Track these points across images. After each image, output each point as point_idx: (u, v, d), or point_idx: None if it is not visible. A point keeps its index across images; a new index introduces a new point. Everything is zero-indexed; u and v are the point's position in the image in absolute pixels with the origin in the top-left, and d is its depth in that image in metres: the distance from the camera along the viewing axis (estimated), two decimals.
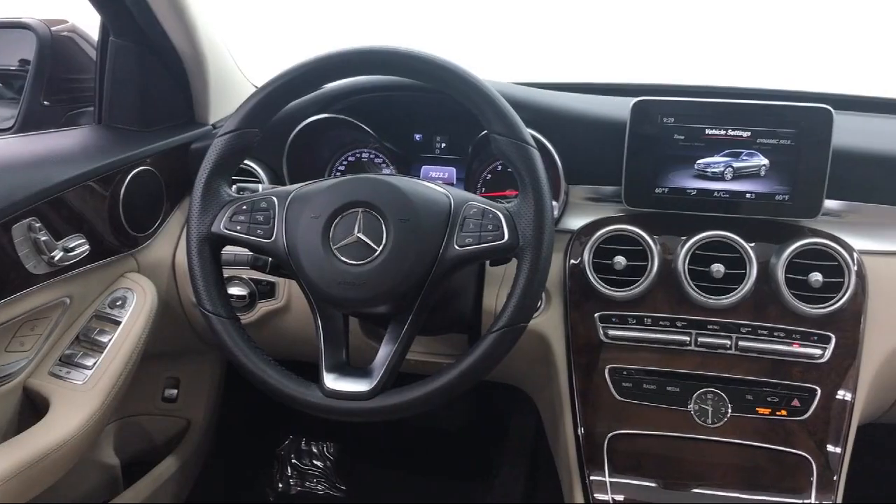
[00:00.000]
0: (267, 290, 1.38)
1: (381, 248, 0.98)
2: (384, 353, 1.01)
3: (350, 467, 2.03)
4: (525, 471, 1.85)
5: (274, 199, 1.04)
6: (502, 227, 0.99)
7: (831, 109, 1.15)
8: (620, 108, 1.24)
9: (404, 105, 1.35)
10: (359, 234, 0.99)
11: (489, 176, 1.37)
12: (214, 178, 1.05)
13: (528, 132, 1.02)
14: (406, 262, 0.98)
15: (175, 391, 1.73)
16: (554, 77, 1.50)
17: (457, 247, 0.99)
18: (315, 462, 2.03)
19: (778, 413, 1.16)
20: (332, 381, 1.00)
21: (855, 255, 1.18)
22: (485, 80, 1.03)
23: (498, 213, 1.00)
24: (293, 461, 2.03)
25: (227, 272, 1.09)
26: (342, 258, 0.98)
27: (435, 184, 1.07)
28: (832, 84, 1.50)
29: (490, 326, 0.99)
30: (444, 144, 1.39)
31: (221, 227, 1.03)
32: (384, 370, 1.00)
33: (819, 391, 1.16)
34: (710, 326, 1.19)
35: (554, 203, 1.23)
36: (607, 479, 1.17)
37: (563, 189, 1.27)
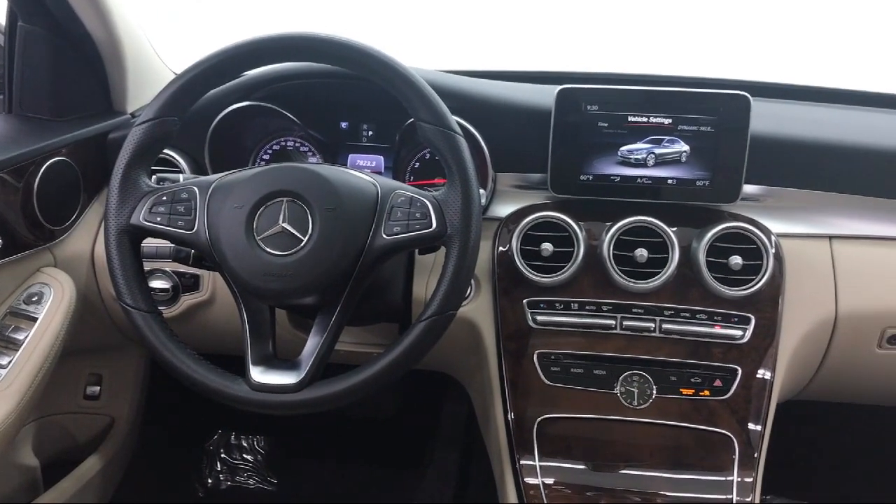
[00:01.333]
0: (191, 283, 1.35)
1: (306, 238, 0.97)
2: (312, 344, 1.00)
3: (281, 460, 2.01)
4: (458, 457, 1.86)
5: (195, 189, 1.02)
6: (430, 215, 0.99)
7: (749, 96, 1.18)
8: (545, 95, 1.25)
9: (330, 92, 1.33)
10: (284, 225, 0.97)
11: (417, 164, 1.36)
12: (133, 169, 1.02)
13: (455, 120, 1.02)
14: (333, 253, 0.96)
15: (97, 388, 1.67)
16: (480, 65, 1.50)
17: (384, 236, 0.99)
18: (245, 456, 2.01)
19: (701, 393, 1.20)
20: (258, 375, 0.99)
21: (773, 238, 1.21)
22: (410, 67, 1.02)
23: (426, 201, 1.00)
24: (222, 456, 2.00)
25: (148, 265, 1.07)
26: (267, 249, 0.97)
27: (362, 172, 1.06)
28: (750, 71, 1.55)
29: (419, 315, 0.99)
30: (371, 132, 1.38)
31: (141, 218, 1.00)
32: (312, 362, 0.99)
33: (740, 371, 1.20)
34: (634, 310, 1.22)
35: (482, 191, 1.24)
36: (537, 463, 1.19)
37: (491, 177, 1.27)
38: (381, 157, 1.38)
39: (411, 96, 1.00)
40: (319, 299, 1.01)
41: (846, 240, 1.27)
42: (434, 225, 0.98)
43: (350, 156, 1.39)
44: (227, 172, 1.05)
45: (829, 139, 1.28)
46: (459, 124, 1.04)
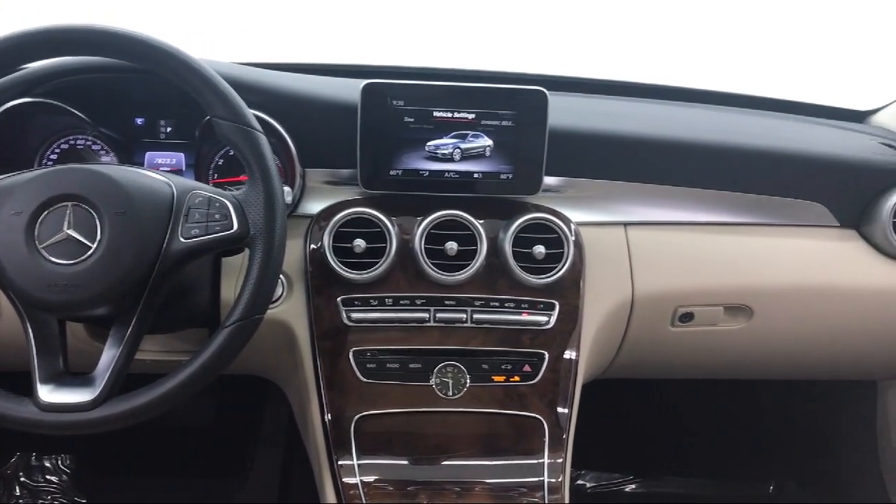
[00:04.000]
0: None
1: (95, 244, 0.90)
2: (108, 357, 0.94)
3: (91, 479, 1.89)
4: (280, 460, 1.83)
5: None
6: (231, 215, 0.95)
7: (546, 92, 1.22)
8: (352, 90, 1.24)
9: (121, 87, 1.25)
10: (69, 231, 0.90)
11: (221, 161, 1.30)
12: None
13: (254, 114, 0.99)
14: (125, 259, 0.91)
15: None
16: (283, 57, 1.47)
17: (182, 239, 0.94)
18: (49, 478, 1.86)
19: (512, 379, 1.23)
20: (47, 394, 0.91)
21: (572, 227, 1.27)
22: (202, 59, 0.97)
23: (225, 201, 0.96)
24: (22, 480, 1.85)
25: None
26: (51, 258, 0.90)
27: (157, 172, 1.00)
28: (548, 66, 1.61)
29: (223, 320, 0.95)
30: (169, 129, 1.31)
31: None
32: (108, 376, 0.93)
33: (547, 355, 1.25)
34: (447, 302, 1.24)
35: (287, 189, 1.21)
36: (355, 462, 1.18)
37: (299, 173, 1.24)
38: (182, 155, 1.31)
39: (204, 91, 0.96)
40: (113, 309, 0.95)
41: (639, 226, 1.35)
42: (235, 226, 0.95)
43: (148, 154, 1.30)
44: (3, 175, 0.96)
45: (622, 131, 1.36)
46: (261, 119, 1.01)
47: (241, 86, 1.02)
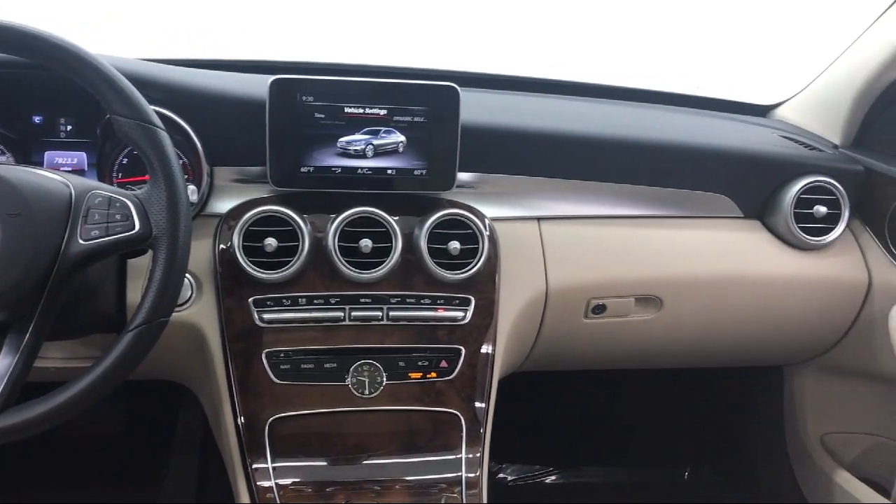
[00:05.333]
0: None
1: None
2: (2, 366, 0.90)
3: None
4: (196, 465, 1.78)
5: None
6: (132, 216, 0.92)
7: (457, 87, 1.22)
8: (261, 86, 1.21)
9: (17, 84, 1.19)
10: None
11: (125, 160, 1.26)
12: None
13: (155, 111, 0.96)
14: (19, 263, 0.87)
15: None
16: (188, 53, 1.43)
17: (81, 241, 0.91)
18: None
19: (428, 376, 1.23)
20: None
21: (487, 222, 1.28)
22: (102, 56, 0.94)
23: (126, 201, 0.93)
24: None
25: None
26: None
27: (55, 172, 0.97)
28: (461, 63, 1.62)
29: (126, 325, 0.92)
30: (70, 127, 1.26)
31: None
32: (3, 386, 0.88)
33: (464, 351, 1.25)
34: (362, 300, 1.22)
35: (193, 187, 1.18)
36: (270, 465, 1.16)
37: (206, 171, 1.21)
38: (84, 154, 1.26)
39: (101, 87, 0.92)
40: (8, 315, 0.91)
41: (552, 220, 1.37)
42: (137, 226, 0.92)
43: (47, 153, 1.25)
44: None
45: (534, 127, 1.37)
46: (165, 116, 0.98)
47: (142, 82, 0.98)
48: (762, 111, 1.83)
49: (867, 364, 1.55)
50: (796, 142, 1.56)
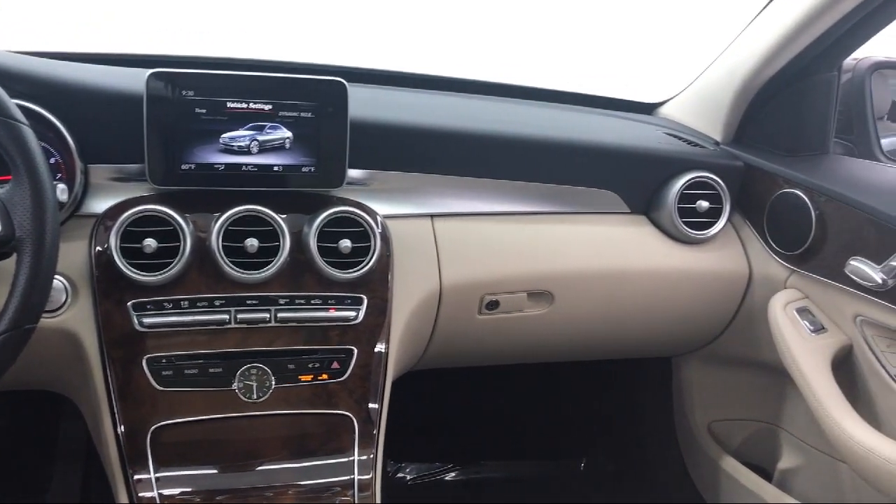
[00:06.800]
0: None
1: None
2: None
3: None
4: (78, 478, 1.70)
5: None
6: None
7: (345, 82, 1.20)
8: (138, 80, 1.16)
9: None
10: None
11: None
12: None
13: (20, 105, 0.90)
14: None
15: None
16: (59, 46, 1.35)
17: None
18: None
19: (319, 378, 1.21)
20: None
21: (379, 220, 1.26)
22: None
23: None
24: None
25: None
26: None
27: None
28: (349, 58, 1.59)
29: None
30: None
31: None
32: None
33: (356, 351, 1.23)
34: (249, 302, 1.19)
35: (63, 186, 1.12)
36: (152, 476, 1.11)
37: (80, 169, 1.15)
38: None
39: None
40: None
41: (445, 217, 1.36)
42: None
43: None
44: None
45: (424, 124, 1.36)
46: (32, 111, 0.92)
47: (5, 74, 0.92)
48: (648, 109, 1.88)
49: (749, 353, 1.61)
50: (680, 139, 1.60)
